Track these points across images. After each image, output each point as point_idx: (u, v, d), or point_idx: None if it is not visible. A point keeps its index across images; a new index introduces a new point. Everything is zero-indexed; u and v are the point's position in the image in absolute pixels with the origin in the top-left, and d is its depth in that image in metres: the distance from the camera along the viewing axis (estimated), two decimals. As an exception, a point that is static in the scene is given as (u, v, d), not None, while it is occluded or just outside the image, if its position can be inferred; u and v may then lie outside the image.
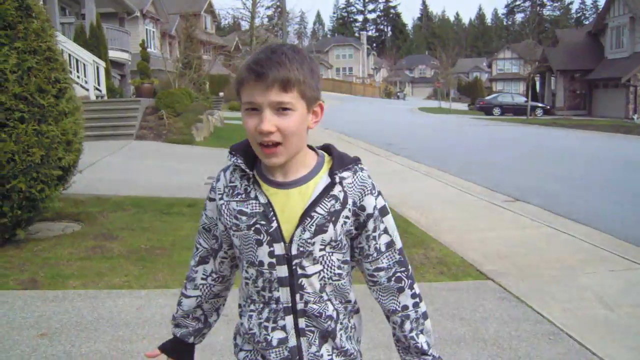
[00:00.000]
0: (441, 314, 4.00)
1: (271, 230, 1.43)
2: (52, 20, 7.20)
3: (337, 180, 1.45)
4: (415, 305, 1.55)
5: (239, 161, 1.47)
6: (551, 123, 30.87)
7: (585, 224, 7.01)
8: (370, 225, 1.49)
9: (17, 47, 4.93)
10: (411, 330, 1.54)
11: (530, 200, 8.42)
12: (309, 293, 1.46)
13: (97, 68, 17.11)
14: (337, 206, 1.44)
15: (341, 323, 1.52)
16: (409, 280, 1.55)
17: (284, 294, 1.47)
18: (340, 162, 1.48)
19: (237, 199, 1.48)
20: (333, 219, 1.43)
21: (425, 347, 1.54)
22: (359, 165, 1.50)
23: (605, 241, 6.14)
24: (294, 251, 1.43)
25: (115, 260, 4.95)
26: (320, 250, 1.45)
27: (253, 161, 1.48)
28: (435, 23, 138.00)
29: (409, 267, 1.57)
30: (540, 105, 41.02)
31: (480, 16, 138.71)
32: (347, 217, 1.45)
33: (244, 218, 1.45)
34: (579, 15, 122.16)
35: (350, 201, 1.45)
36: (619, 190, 9.82)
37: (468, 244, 5.89)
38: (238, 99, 1.46)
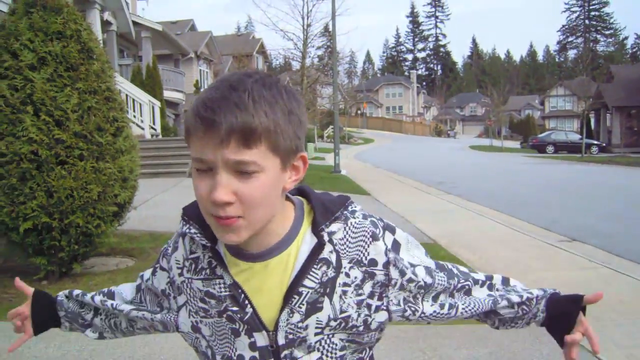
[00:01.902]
0: (496, 358, 3.87)
1: (246, 317, 1.08)
2: (111, 62, 7.49)
3: (326, 238, 1.08)
4: (490, 285, 1.27)
5: (193, 231, 1.11)
6: (607, 161, 30.07)
7: (647, 265, 6.73)
8: (395, 274, 1.12)
9: (78, 87, 5.13)
10: (506, 299, 1.26)
11: (587, 240, 8.15)
12: None
13: (153, 107, 17.64)
14: (331, 273, 1.07)
15: None
16: (469, 279, 1.25)
17: None
18: (324, 211, 1.10)
19: (201, 277, 1.12)
20: (327, 291, 1.07)
21: (528, 294, 1.28)
22: (350, 208, 1.12)
23: (669, 284, 5.87)
24: (280, 341, 1.08)
25: (167, 296, 4.99)
26: (317, 334, 1.09)
27: None
28: (485, 61, 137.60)
29: (457, 270, 1.25)
30: (595, 142, 40.14)
31: (532, 53, 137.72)
32: (346, 285, 1.08)
33: (212, 302, 1.11)
34: (634, 50, 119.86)
35: (345, 262, 1.08)
36: (682, 230, 9.41)
37: (523, 285, 5.71)
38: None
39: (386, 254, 1.10)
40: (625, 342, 4.18)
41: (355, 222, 1.10)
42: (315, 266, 1.07)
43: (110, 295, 1.38)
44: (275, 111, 0.98)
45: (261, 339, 1.09)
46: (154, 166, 13.63)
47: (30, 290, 1.39)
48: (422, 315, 1.18)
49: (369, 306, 1.11)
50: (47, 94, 4.96)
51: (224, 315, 1.10)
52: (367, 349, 1.19)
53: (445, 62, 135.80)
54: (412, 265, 1.14)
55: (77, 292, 1.40)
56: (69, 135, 5.01)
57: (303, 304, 1.07)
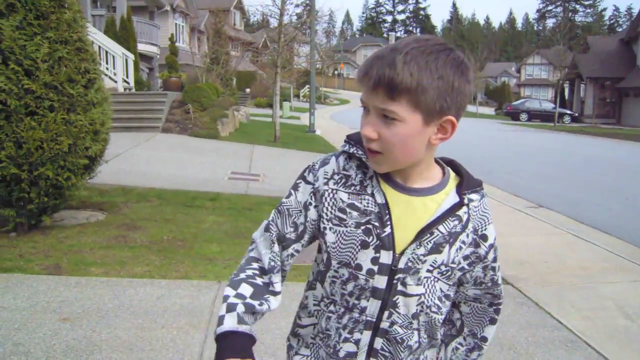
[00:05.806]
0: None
1: (383, 235, 1.25)
2: (84, 12, 7.31)
3: (466, 201, 1.30)
4: (487, 341, 1.48)
5: (360, 152, 1.27)
6: (579, 131, 30.52)
7: (609, 233, 6.93)
8: (491, 255, 1.36)
9: (49, 36, 5.01)
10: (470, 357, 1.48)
11: (554, 207, 8.34)
12: (399, 314, 1.29)
13: (126, 61, 17.30)
14: (459, 228, 1.28)
15: (417, 357, 1.37)
16: (498, 317, 1.48)
17: (372, 306, 1.29)
18: (469, 182, 1.32)
19: (349, 191, 1.28)
20: (451, 240, 1.28)
21: None
22: (484, 190, 1.36)
23: (629, 251, 6.06)
24: (401, 264, 1.26)
25: (138, 250, 5.02)
26: (428, 271, 1.28)
27: None
28: (464, 26, 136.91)
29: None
30: (568, 112, 40.59)
31: (511, 20, 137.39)
32: (463, 243, 1.30)
33: (354, 214, 1.27)
34: (612, 22, 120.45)
35: (470, 226, 1.31)
36: (645, 200, 9.67)
37: (488, 248, 5.85)
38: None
39: (494, 240, 1.36)
40: (582, 305, 4.35)
41: (485, 202, 1.34)
42: (450, 218, 1.27)
43: (255, 285, 1.30)
44: (425, 74, 1.13)
45: (386, 257, 1.26)
46: (127, 120, 13.43)
47: None
48: (470, 288, 1.42)
49: (462, 266, 1.34)
50: (16, 42, 4.84)
51: (362, 228, 1.26)
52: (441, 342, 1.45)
53: (425, 25, 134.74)
54: (497, 264, 1.40)
55: (245, 317, 1.26)
56: (38, 85, 4.91)
57: (430, 242, 1.26)
